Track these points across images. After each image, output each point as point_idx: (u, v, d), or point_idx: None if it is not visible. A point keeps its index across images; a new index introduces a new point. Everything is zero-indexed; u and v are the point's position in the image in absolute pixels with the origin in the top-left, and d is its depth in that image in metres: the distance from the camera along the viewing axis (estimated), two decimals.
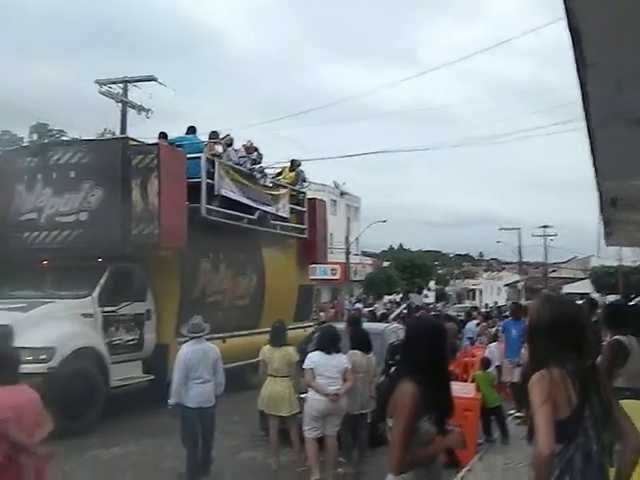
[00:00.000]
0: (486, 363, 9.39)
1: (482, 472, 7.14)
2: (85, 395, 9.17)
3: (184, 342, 7.65)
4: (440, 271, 64.55)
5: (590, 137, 5.72)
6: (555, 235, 54.77)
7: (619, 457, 2.71)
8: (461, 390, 8.23)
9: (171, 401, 7.29)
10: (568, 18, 3.60)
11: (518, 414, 9.86)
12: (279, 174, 15.79)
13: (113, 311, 10.14)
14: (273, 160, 16.45)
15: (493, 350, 11.00)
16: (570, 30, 3.53)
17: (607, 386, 2.78)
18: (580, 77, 4.34)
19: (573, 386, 2.61)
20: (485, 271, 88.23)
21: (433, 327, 3.41)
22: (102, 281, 10.20)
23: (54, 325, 9.13)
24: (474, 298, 65.06)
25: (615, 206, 8.71)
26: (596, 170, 7.82)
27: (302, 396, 7.41)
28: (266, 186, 13.85)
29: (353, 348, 7.66)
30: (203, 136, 13.08)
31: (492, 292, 66.61)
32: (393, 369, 3.90)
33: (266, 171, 14.57)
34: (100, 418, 9.27)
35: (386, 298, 39.59)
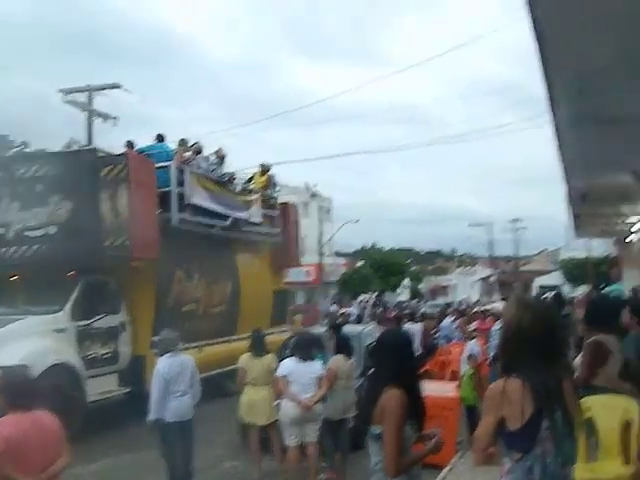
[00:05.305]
0: (474, 361, 9.31)
1: (464, 471, 7.18)
2: (61, 412, 8.95)
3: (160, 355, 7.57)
4: (413, 268, 64.81)
5: (558, 138, 5.84)
6: (525, 228, 55.67)
7: None
8: (440, 389, 8.30)
9: (151, 417, 7.19)
10: (534, 25, 3.68)
11: None
12: (250, 180, 15.73)
13: (87, 325, 9.99)
14: (244, 165, 16.41)
15: (474, 347, 11.00)
16: (536, 38, 3.61)
17: (572, 397, 2.73)
18: (546, 81, 4.43)
19: (530, 398, 2.57)
20: (457, 267, 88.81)
21: (398, 340, 3.54)
22: (74, 295, 10.05)
23: (26, 342, 8.93)
24: (448, 294, 65.46)
25: (585, 201, 8.90)
26: (565, 169, 7.96)
27: (276, 402, 7.40)
28: (237, 192, 13.79)
29: (337, 353, 7.68)
30: (172, 144, 12.97)
31: (465, 287, 67.06)
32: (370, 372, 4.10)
33: (237, 177, 14.52)
34: (78, 434, 9.11)
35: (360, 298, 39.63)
